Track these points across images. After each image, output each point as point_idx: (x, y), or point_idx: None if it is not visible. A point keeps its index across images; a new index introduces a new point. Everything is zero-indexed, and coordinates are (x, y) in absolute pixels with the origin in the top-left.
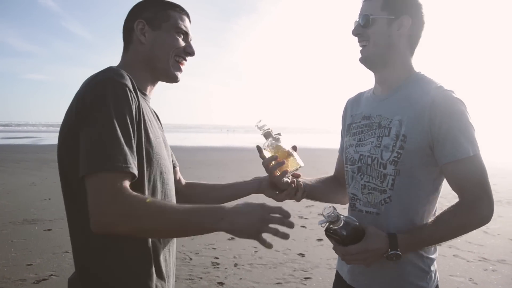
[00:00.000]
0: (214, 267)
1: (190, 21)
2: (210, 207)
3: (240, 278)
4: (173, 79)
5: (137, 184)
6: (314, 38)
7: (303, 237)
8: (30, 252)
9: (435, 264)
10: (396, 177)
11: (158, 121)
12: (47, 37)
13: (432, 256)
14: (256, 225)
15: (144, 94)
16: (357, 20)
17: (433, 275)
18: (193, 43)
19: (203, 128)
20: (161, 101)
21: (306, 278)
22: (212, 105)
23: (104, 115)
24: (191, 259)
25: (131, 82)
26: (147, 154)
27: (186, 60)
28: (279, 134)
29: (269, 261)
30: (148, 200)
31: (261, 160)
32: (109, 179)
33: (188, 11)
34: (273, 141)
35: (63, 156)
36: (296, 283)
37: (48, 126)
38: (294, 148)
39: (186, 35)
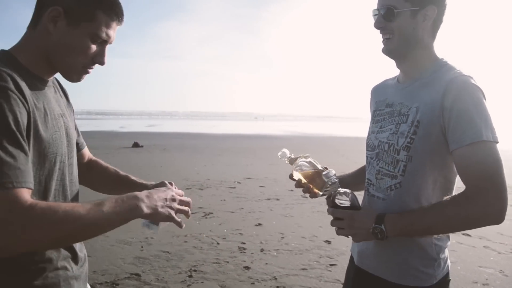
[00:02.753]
0: (241, 252)
1: (121, 22)
2: (123, 199)
3: (266, 263)
4: (72, 81)
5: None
6: (347, 26)
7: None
8: None
9: (446, 252)
10: (408, 163)
11: (64, 104)
12: None
13: (441, 244)
14: (166, 209)
15: (42, 79)
16: (377, 10)
17: (441, 262)
18: (220, 30)
19: (231, 115)
20: (189, 88)
21: (331, 265)
22: (240, 93)
23: None
24: (218, 243)
25: (14, 80)
26: (38, 155)
27: (93, 68)
28: (300, 156)
29: (295, 247)
30: (52, 206)
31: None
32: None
33: (124, 11)
34: (298, 166)
35: None
36: (321, 269)
37: (82, 114)
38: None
39: (104, 42)
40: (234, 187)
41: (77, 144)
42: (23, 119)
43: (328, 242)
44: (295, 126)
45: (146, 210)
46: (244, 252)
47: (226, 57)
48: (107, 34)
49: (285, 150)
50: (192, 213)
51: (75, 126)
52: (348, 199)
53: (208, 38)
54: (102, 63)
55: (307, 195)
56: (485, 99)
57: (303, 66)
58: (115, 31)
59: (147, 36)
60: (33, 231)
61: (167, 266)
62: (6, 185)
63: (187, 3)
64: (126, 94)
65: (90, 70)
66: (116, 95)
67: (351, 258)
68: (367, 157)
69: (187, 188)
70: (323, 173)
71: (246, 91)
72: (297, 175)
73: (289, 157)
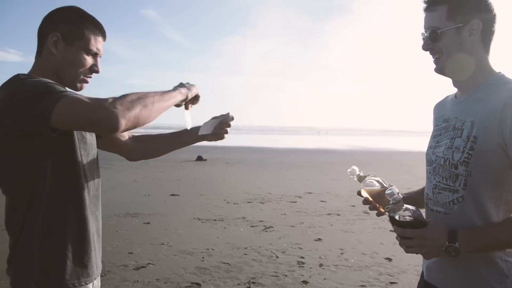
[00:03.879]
0: (300, 266)
1: (105, 38)
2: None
3: (324, 278)
4: (75, 90)
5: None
6: (414, 39)
7: (392, 241)
8: (131, 242)
9: None
10: (467, 178)
11: None
12: (147, 44)
13: None
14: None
15: None
16: (424, 33)
17: None
18: (282, 44)
19: (294, 129)
20: (251, 102)
21: (391, 283)
22: (303, 107)
23: (37, 85)
24: (277, 257)
25: None
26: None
27: (91, 77)
28: (368, 174)
29: (354, 264)
30: (130, 94)
31: (350, 164)
32: (81, 96)
33: (105, 28)
34: (366, 185)
35: None
36: (381, 287)
37: (149, 128)
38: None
39: (95, 54)
40: (295, 202)
41: None
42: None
43: (389, 259)
44: (359, 140)
45: (186, 90)
46: (303, 267)
47: (288, 71)
48: (96, 48)
49: (354, 167)
50: (252, 226)
51: None
52: (410, 214)
53: (270, 52)
54: (97, 71)
55: (371, 211)
56: None
57: (368, 79)
58: (101, 46)
59: (212, 51)
60: (126, 111)
61: (227, 277)
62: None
63: (250, 18)
64: (193, 108)
65: (88, 80)
66: (181, 109)
67: (422, 273)
68: (426, 172)
69: (249, 202)
70: (386, 192)
71: (309, 105)
72: (365, 193)
73: (358, 174)
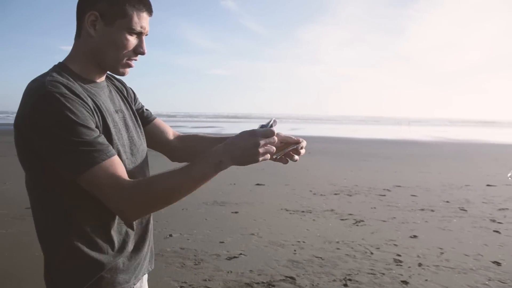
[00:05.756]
0: (397, 264)
1: (151, 13)
2: (203, 157)
3: (426, 280)
4: (118, 75)
5: None
6: (502, 19)
7: (497, 243)
8: (221, 231)
9: None
10: None
11: (121, 98)
12: (227, 34)
13: None
14: (253, 152)
15: (94, 82)
16: None
17: None
18: (362, 32)
19: (374, 119)
20: (330, 91)
21: None
22: (383, 97)
23: (58, 124)
24: (372, 253)
25: (66, 86)
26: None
27: (136, 59)
28: None
29: (457, 265)
30: (141, 182)
31: (438, 157)
32: (101, 172)
33: (151, 2)
34: None
35: (24, 159)
36: None
37: (228, 118)
38: None
39: (140, 34)
40: (384, 195)
41: (147, 117)
42: (84, 114)
43: (498, 263)
44: (445, 131)
45: (230, 163)
46: (401, 265)
47: (368, 59)
48: (141, 26)
49: None
50: (342, 219)
51: (141, 107)
52: None
53: (349, 40)
54: (142, 53)
55: (466, 208)
56: None
57: (453, 65)
58: (147, 22)
59: (290, 40)
60: (136, 205)
61: (321, 272)
62: (98, 160)
63: (328, 6)
64: (271, 97)
65: (133, 63)
66: (262, 99)
67: None
68: None
69: (335, 194)
70: None
71: (390, 95)
72: None
73: None
